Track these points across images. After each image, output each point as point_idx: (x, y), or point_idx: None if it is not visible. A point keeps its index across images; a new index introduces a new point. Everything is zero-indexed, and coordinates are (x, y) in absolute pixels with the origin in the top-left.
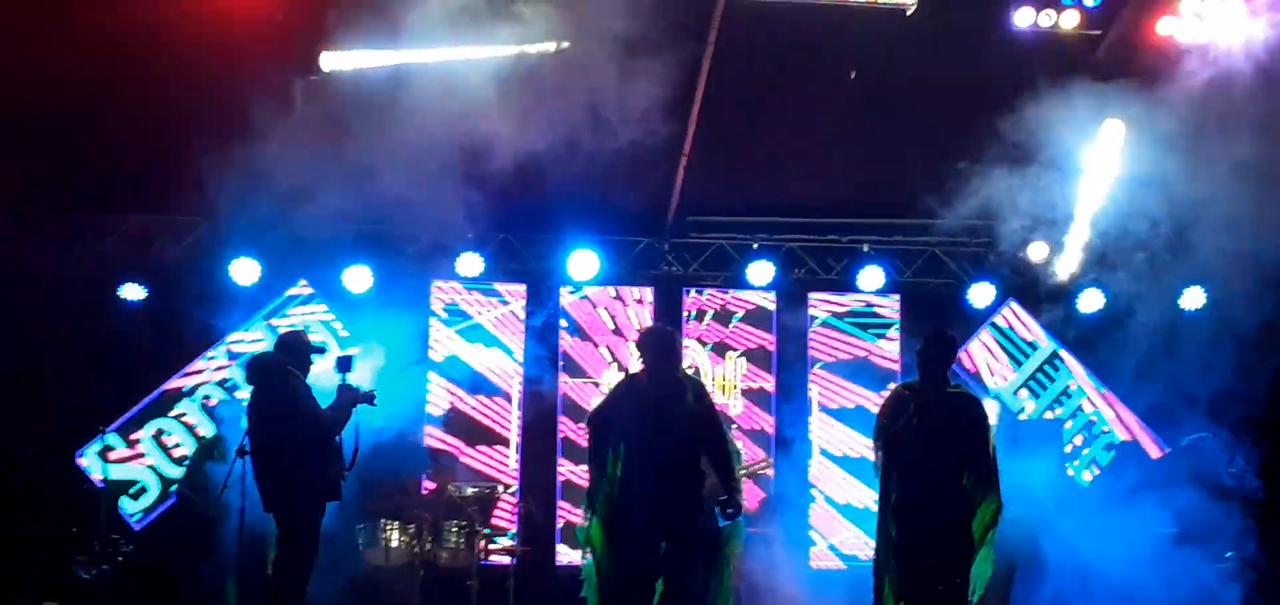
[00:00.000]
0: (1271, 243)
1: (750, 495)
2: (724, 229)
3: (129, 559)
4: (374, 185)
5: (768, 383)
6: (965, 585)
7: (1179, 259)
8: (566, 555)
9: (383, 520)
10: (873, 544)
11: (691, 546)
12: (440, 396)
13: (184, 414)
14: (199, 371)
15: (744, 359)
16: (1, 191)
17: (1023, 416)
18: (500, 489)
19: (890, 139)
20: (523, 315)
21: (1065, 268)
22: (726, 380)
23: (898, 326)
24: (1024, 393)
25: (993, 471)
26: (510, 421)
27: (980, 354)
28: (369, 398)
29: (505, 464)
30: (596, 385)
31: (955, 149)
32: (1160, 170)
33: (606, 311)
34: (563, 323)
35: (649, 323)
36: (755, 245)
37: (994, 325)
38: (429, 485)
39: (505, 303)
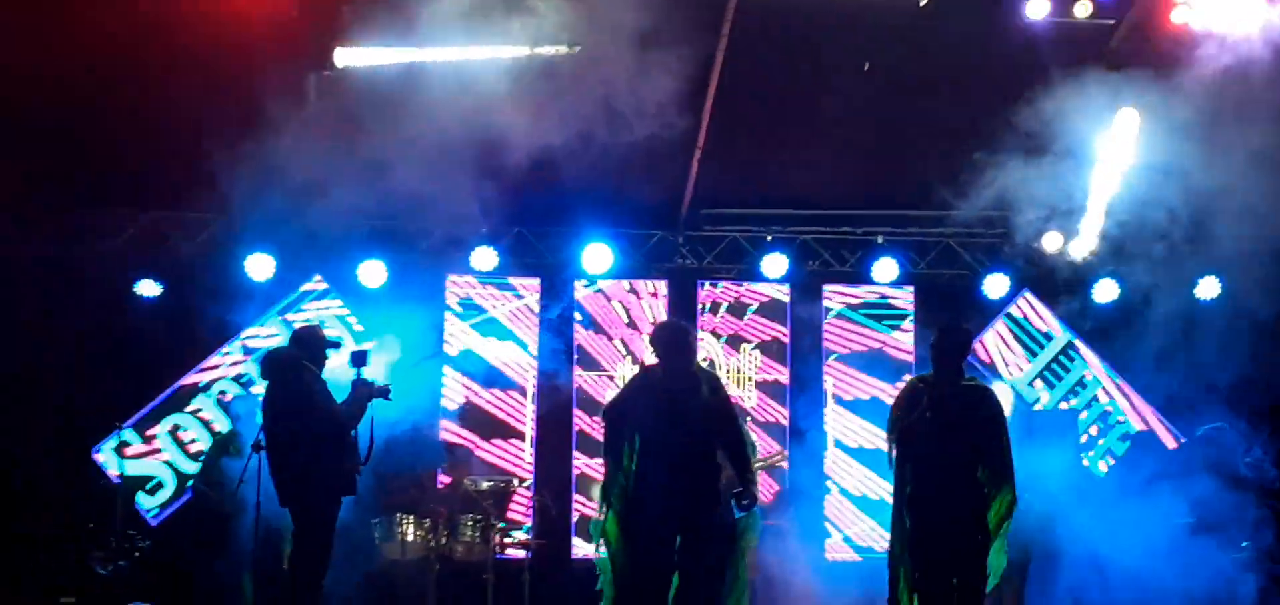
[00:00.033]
0: None
1: (765, 487)
2: (738, 221)
3: (145, 555)
4: (388, 180)
5: (782, 375)
6: (982, 578)
7: (1195, 248)
8: (582, 549)
9: (398, 514)
10: (887, 536)
11: (706, 539)
12: (455, 391)
13: (200, 409)
14: (214, 367)
15: (758, 351)
16: (16, 188)
17: (1038, 407)
18: (516, 483)
19: (904, 130)
20: (537, 309)
21: (1081, 249)
22: (741, 373)
23: (912, 318)
24: (1039, 383)
25: (1007, 464)
26: (525, 415)
27: (995, 345)
28: (384, 392)
29: (520, 458)
30: (611, 379)
31: (969, 140)
32: (1175, 159)
33: (621, 304)
34: (577, 316)
35: (663, 316)
36: (769, 238)
37: (1009, 316)
38: (444, 479)
39: (520, 296)
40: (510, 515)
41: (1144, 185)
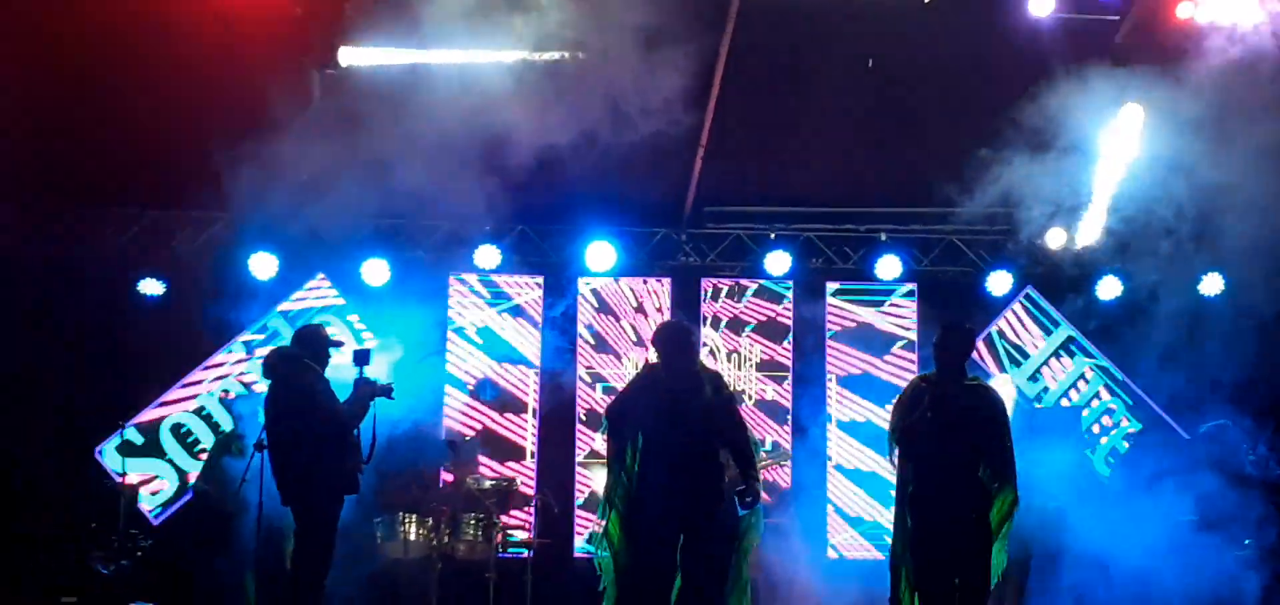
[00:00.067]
0: None
1: (767, 486)
2: (741, 219)
3: (147, 554)
4: (391, 178)
5: (785, 373)
6: (984, 577)
7: (1199, 245)
8: (585, 547)
9: (401, 513)
10: (884, 540)
11: (708, 539)
12: (461, 383)
13: (202, 408)
14: (217, 366)
15: (761, 350)
16: (19, 187)
17: (1039, 404)
18: (517, 482)
19: (907, 127)
20: (540, 307)
21: (1085, 237)
22: (743, 371)
23: (915, 315)
24: (1040, 378)
25: (1009, 463)
26: (527, 406)
27: (997, 342)
28: (386, 391)
29: (523, 456)
30: (616, 377)
31: (973, 137)
32: (1179, 155)
33: (629, 290)
34: (581, 315)
35: (666, 314)
36: (773, 235)
37: (1011, 312)
38: (447, 478)
39: (523, 295)
40: (512, 515)
41: (1148, 181)
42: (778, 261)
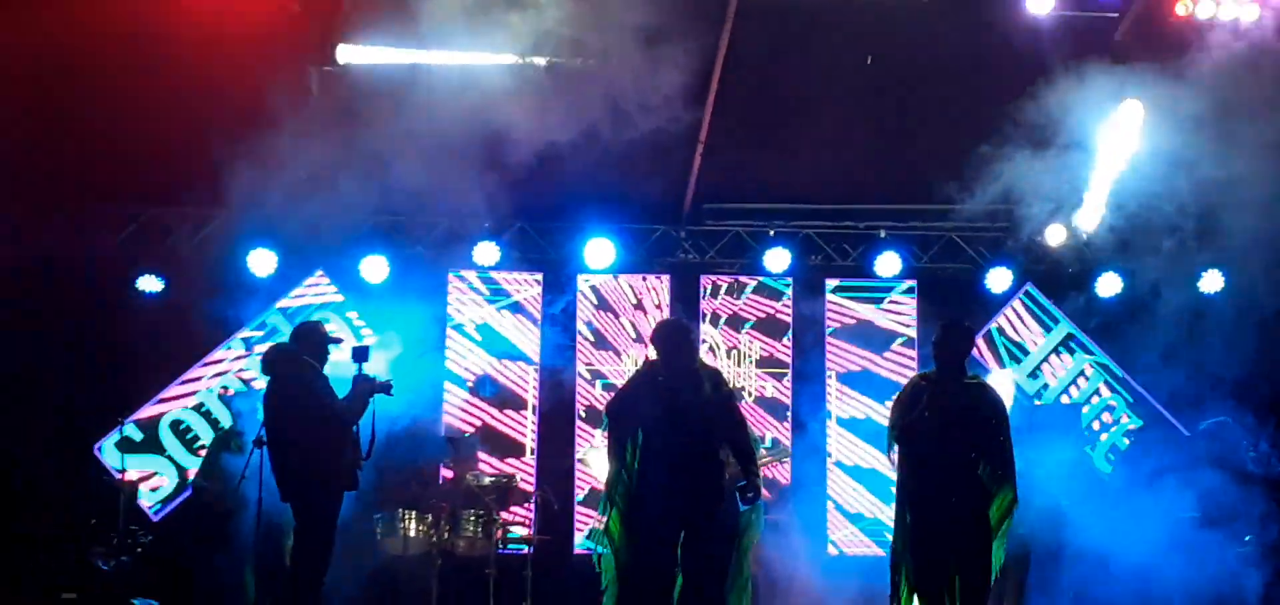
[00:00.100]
0: None
1: (767, 483)
2: (741, 216)
3: (147, 550)
4: (390, 175)
5: (784, 370)
6: (984, 576)
7: (1199, 241)
8: (584, 543)
9: (400, 509)
10: (886, 535)
11: (709, 538)
12: (460, 379)
13: (201, 405)
14: (216, 362)
15: (760, 346)
16: (16, 184)
17: (1039, 401)
18: (517, 479)
19: (906, 124)
20: (540, 304)
21: (1085, 224)
22: (742, 368)
23: (915, 312)
24: (1040, 375)
25: (1009, 462)
26: (527, 402)
27: (997, 339)
28: (386, 388)
29: (522, 456)
30: (616, 374)
31: (972, 134)
32: (1179, 151)
33: (629, 287)
34: (580, 312)
35: (666, 311)
36: (772, 232)
37: (1011, 309)
38: (447, 474)
39: (522, 291)
40: (512, 511)
41: (1148, 177)
42: (777, 258)
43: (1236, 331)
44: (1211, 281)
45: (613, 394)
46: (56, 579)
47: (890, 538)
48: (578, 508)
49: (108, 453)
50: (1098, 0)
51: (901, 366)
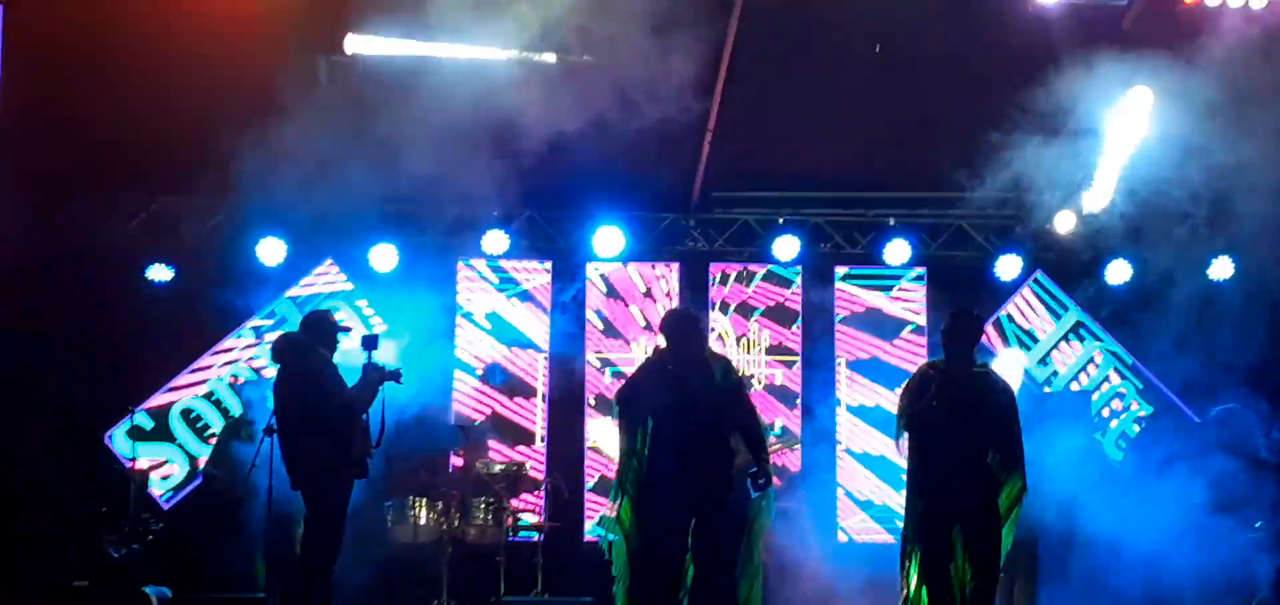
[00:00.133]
0: None
1: (777, 470)
2: (749, 204)
3: (158, 538)
4: (399, 163)
5: (794, 357)
6: (994, 564)
7: (1209, 227)
8: (594, 530)
9: (411, 497)
10: (894, 523)
11: (719, 527)
12: (470, 364)
13: (211, 393)
14: (226, 351)
15: (769, 334)
16: (26, 175)
17: (1048, 388)
18: (527, 466)
19: (916, 112)
20: (549, 292)
21: (1092, 205)
22: (751, 356)
23: (924, 300)
24: (1049, 362)
25: (1018, 450)
26: (536, 390)
27: (1006, 326)
28: (395, 376)
29: (532, 440)
30: (625, 362)
31: (982, 121)
32: (1189, 137)
33: (638, 275)
34: (589, 300)
35: (675, 299)
36: (781, 220)
37: (1021, 297)
38: (457, 462)
39: (531, 278)
40: (522, 498)
41: (1157, 164)
42: (786, 246)
43: (1248, 318)
44: (1221, 268)
45: (623, 382)
46: (68, 567)
47: (900, 525)
48: (588, 495)
49: (118, 441)
50: None
51: (911, 353)
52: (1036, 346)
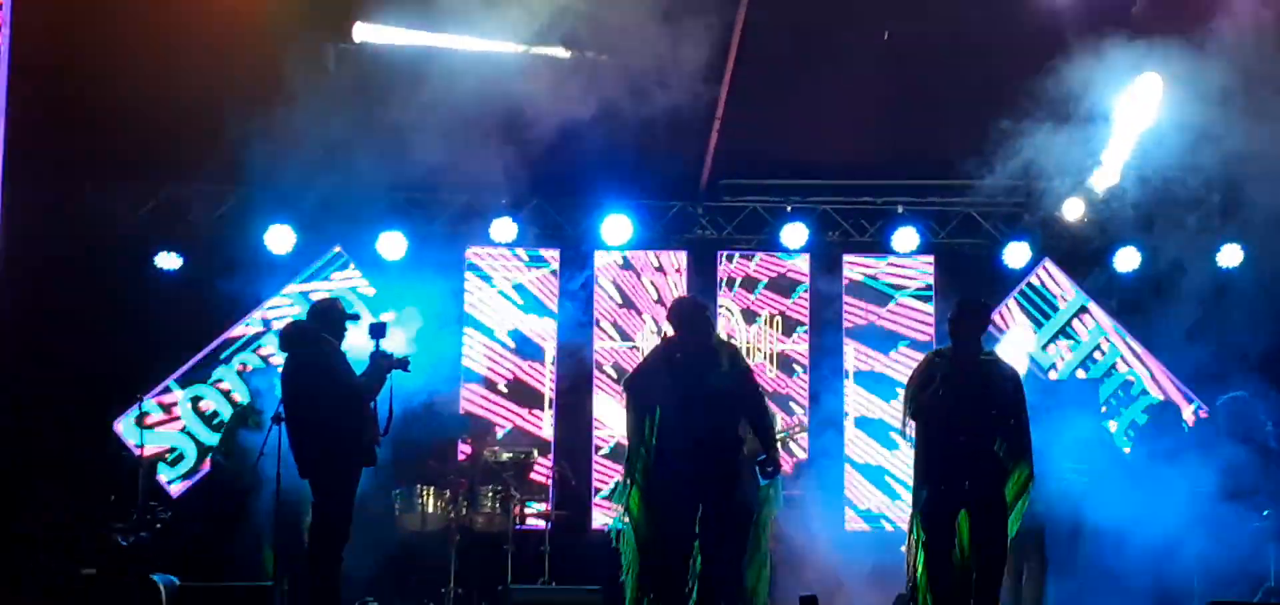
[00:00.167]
0: None
1: (785, 459)
2: (758, 192)
3: (166, 526)
4: (408, 151)
5: (802, 344)
6: (1001, 552)
7: (1219, 214)
8: (600, 518)
9: (419, 485)
10: (902, 506)
11: (726, 515)
12: (477, 356)
13: (220, 381)
14: (235, 339)
15: (778, 320)
16: (34, 162)
17: (1055, 375)
18: (536, 453)
19: (924, 99)
20: (557, 279)
21: (1103, 183)
22: (759, 342)
23: (932, 288)
24: (1053, 349)
25: (1025, 438)
26: (545, 371)
27: (1014, 313)
28: (403, 364)
29: (539, 427)
30: (634, 350)
31: (990, 108)
32: (1200, 123)
33: (646, 263)
34: (597, 288)
35: (683, 287)
36: (789, 208)
37: (1028, 284)
38: (465, 450)
39: (540, 267)
40: (532, 476)
41: (1167, 150)
42: (794, 234)
43: (1258, 306)
44: (1230, 255)
45: (632, 371)
46: (76, 554)
47: (907, 513)
48: (595, 481)
49: (127, 429)
50: None
51: (914, 324)
52: (1042, 333)
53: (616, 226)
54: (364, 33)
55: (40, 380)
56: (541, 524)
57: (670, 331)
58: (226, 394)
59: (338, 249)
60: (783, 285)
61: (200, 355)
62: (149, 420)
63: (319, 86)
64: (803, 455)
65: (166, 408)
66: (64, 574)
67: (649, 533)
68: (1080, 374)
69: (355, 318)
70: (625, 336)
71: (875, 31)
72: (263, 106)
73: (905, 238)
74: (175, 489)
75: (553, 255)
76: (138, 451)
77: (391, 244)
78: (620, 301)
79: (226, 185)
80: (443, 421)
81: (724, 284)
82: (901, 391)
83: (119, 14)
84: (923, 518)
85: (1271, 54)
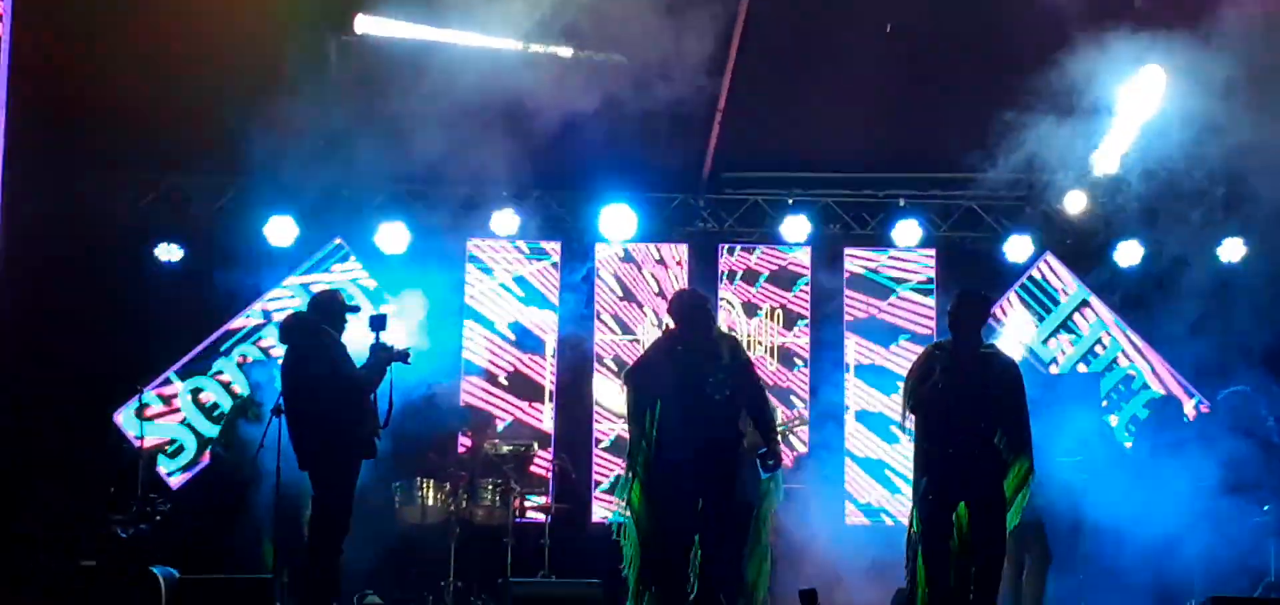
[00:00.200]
0: None
1: (785, 452)
2: (759, 184)
3: (166, 518)
4: (409, 143)
5: (803, 337)
6: (1000, 545)
7: (1222, 208)
8: (600, 512)
9: (418, 478)
10: (902, 500)
11: (727, 508)
12: (478, 348)
13: (220, 373)
14: (235, 331)
15: (779, 313)
16: (37, 153)
17: (1056, 369)
18: (536, 446)
19: (926, 92)
20: (558, 272)
21: (1103, 169)
22: (760, 335)
23: (933, 281)
24: (1054, 343)
25: (1025, 432)
26: (545, 363)
27: (1015, 307)
28: (403, 356)
29: (540, 420)
30: (635, 343)
31: (992, 101)
32: (1203, 116)
33: (648, 255)
34: (598, 281)
35: (685, 279)
36: (791, 201)
37: (1030, 277)
38: (465, 442)
39: (541, 259)
40: (532, 469)
41: (1170, 144)
42: (796, 226)
43: (1260, 300)
44: (1232, 249)
45: (632, 364)
46: (75, 546)
47: (907, 508)
48: (595, 475)
49: (126, 421)
50: None
51: (915, 316)
52: (1043, 326)
53: (617, 219)
54: (365, 25)
55: (40, 371)
56: (541, 517)
57: (671, 324)
58: (226, 386)
59: (338, 241)
60: (784, 278)
61: (200, 347)
62: (149, 412)
63: (320, 78)
64: (803, 449)
65: (166, 399)
66: (64, 565)
67: (650, 526)
68: (1081, 368)
69: (355, 309)
70: (626, 329)
71: (877, 24)
72: (263, 98)
73: (907, 231)
74: (175, 481)
75: (554, 248)
76: (138, 443)
77: (392, 236)
78: (621, 294)
79: (227, 177)
80: (443, 414)
81: (725, 277)
82: (902, 385)
83: (120, 6)
84: (921, 514)
85: (1276, 46)
